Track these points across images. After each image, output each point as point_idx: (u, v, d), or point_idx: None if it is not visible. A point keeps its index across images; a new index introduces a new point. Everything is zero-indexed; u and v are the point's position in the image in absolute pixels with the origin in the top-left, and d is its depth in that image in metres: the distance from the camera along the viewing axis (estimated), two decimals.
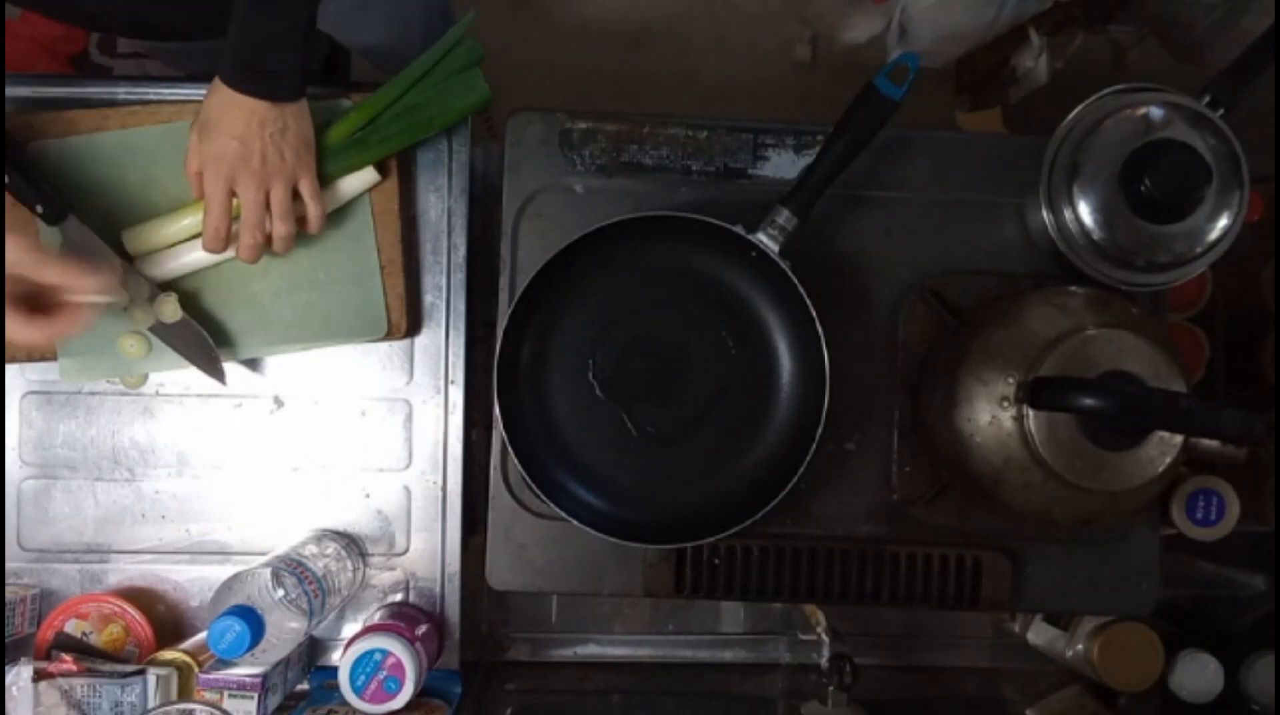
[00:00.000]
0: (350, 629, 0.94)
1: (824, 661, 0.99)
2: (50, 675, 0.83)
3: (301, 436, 0.94)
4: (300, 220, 0.85)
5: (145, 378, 0.93)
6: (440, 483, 0.94)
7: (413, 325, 0.94)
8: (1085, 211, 0.84)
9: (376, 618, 0.91)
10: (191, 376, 0.92)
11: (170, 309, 0.87)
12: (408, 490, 0.94)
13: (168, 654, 0.86)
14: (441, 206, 0.95)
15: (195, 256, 0.87)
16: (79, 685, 0.83)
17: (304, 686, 0.92)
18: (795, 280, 0.83)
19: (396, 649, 0.83)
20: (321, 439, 0.94)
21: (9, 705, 0.80)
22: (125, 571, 0.93)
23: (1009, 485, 0.81)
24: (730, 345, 0.89)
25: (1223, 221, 0.84)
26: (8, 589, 0.89)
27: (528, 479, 0.84)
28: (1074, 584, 0.92)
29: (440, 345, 0.95)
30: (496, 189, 0.93)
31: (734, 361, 0.89)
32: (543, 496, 0.84)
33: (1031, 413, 0.78)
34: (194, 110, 0.82)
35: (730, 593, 0.90)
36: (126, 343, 0.89)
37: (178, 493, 0.94)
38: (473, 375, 0.95)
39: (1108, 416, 0.76)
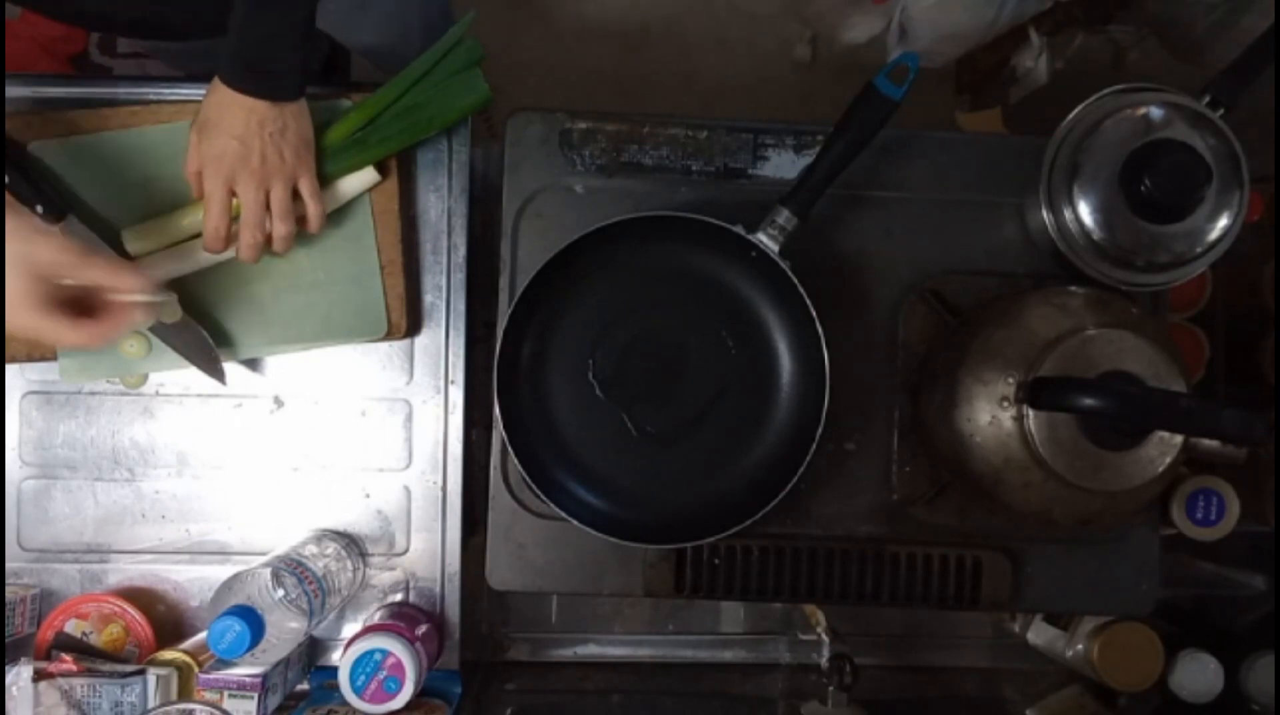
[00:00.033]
0: (350, 629, 0.94)
1: (824, 661, 0.99)
2: (50, 675, 0.83)
3: (301, 436, 0.94)
4: (300, 220, 0.85)
5: (145, 378, 0.93)
6: (440, 483, 0.94)
7: (413, 325, 0.94)
8: (1085, 211, 0.84)
9: (376, 618, 0.91)
10: (191, 376, 0.92)
11: (170, 309, 0.87)
12: (408, 490, 0.94)
13: (168, 654, 0.86)
14: (441, 206, 0.95)
15: (195, 256, 0.87)
16: (79, 685, 0.83)
17: (304, 686, 0.92)
18: (795, 280, 0.83)
19: (396, 649, 0.83)
20: (321, 439, 0.94)
21: (9, 705, 0.80)
22: (125, 571, 0.93)
23: (1009, 485, 0.81)
24: (730, 345, 0.89)
25: (1223, 221, 0.84)
26: (8, 589, 0.89)
27: (528, 479, 0.84)
28: (1074, 584, 0.92)
29: (440, 345, 0.95)
30: (496, 189, 0.93)
31: (734, 361, 0.89)
32: (543, 496, 0.84)
33: (1031, 413, 0.78)
34: (194, 110, 0.82)
35: (730, 593, 0.90)
36: (126, 343, 0.89)
37: (178, 493, 0.94)
38: (473, 375, 0.95)
39: (1108, 416, 0.76)
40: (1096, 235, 0.84)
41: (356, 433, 0.94)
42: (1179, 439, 0.78)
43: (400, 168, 0.92)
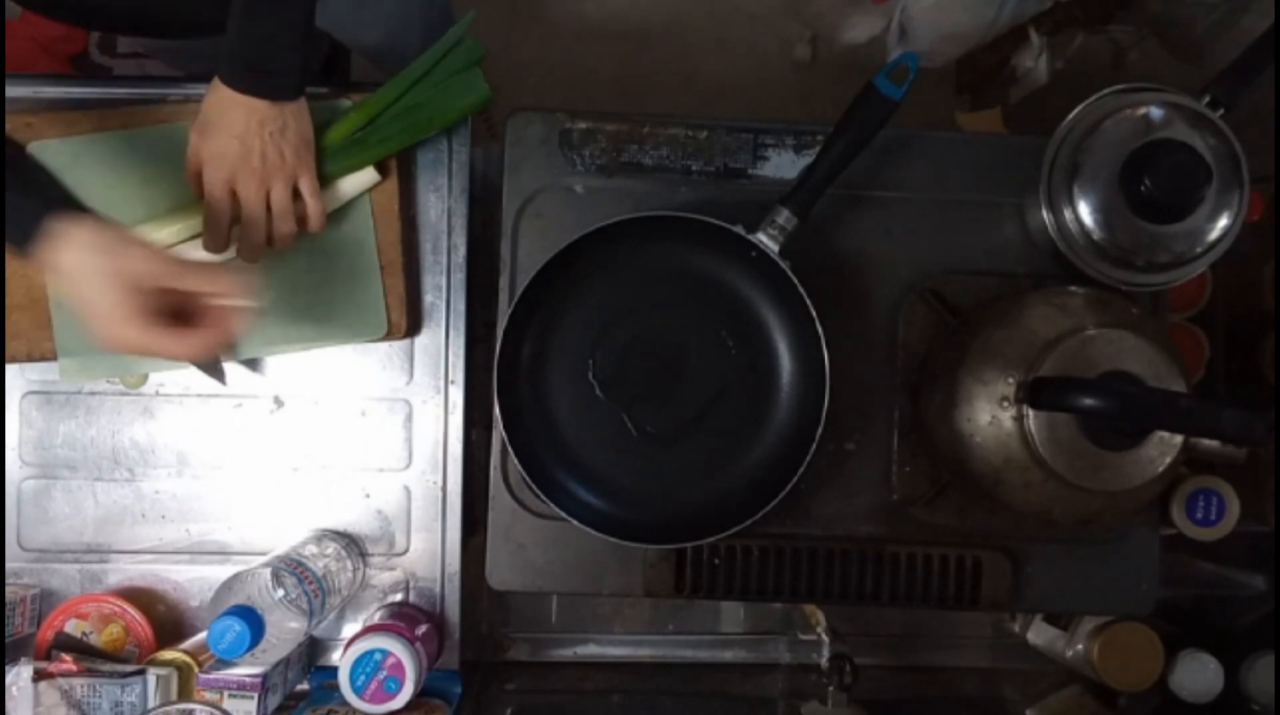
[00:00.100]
0: (350, 629, 0.94)
1: (824, 661, 0.99)
2: (50, 675, 0.83)
3: (301, 436, 0.94)
4: (300, 220, 0.85)
5: (145, 378, 0.93)
6: (440, 483, 0.94)
7: (413, 325, 0.94)
8: (1085, 211, 0.84)
9: (376, 618, 0.91)
10: (191, 376, 0.92)
11: None
12: (408, 490, 0.94)
13: (168, 654, 0.86)
14: (441, 206, 0.95)
15: (195, 256, 0.87)
16: (79, 685, 0.83)
17: (304, 686, 0.92)
18: (795, 280, 0.83)
19: (396, 649, 0.83)
20: (321, 439, 0.94)
21: (9, 705, 0.80)
22: (125, 571, 0.93)
23: (1009, 485, 0.81)
24: (730, 345, 0.89)
25: (1223, 221, 0.84)
26: (8, 589, 0.89)
27: (528, 479, 0.84)
28: (1074, 584, 0.92)
29: (440, 345, 0.95)
30: (496, 189, 0.93)
31: (734, 361, 0.89)
32: (543, 496, 0.84)
33: (1031, 413, 0.78)
34: (194, 110, 0.82)
35: (730, 593, 0.90)
36: None
37: (178, 493, 0.94)
38: (473, 375, 0.95)
39: (1108, 416, 0.76)
40: (1096, 235, 0.84)
41: (356, 433, 0.94)
42: (1179, 439, 0.78)
43: (400, 168, 0.92)
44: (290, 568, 0.82)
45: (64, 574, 0.93)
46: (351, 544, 0.93)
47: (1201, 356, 1.03)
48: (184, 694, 0.85)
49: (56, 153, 0.88)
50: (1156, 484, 0.80)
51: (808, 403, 0.85)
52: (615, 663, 1.07)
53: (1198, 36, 1.41)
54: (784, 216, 0.84)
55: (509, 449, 0.84)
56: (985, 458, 0.81)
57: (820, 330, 0.83)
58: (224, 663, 0.82)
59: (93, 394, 0.93)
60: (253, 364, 0.93)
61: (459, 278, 0.95)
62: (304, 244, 0.88)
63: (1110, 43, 1.63)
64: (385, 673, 0.83)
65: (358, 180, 0.89)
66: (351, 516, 0.94)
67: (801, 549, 0.90)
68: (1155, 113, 0.83)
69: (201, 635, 0.90)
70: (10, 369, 0.92)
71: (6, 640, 0.86)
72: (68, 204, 0.69)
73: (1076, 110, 0.86)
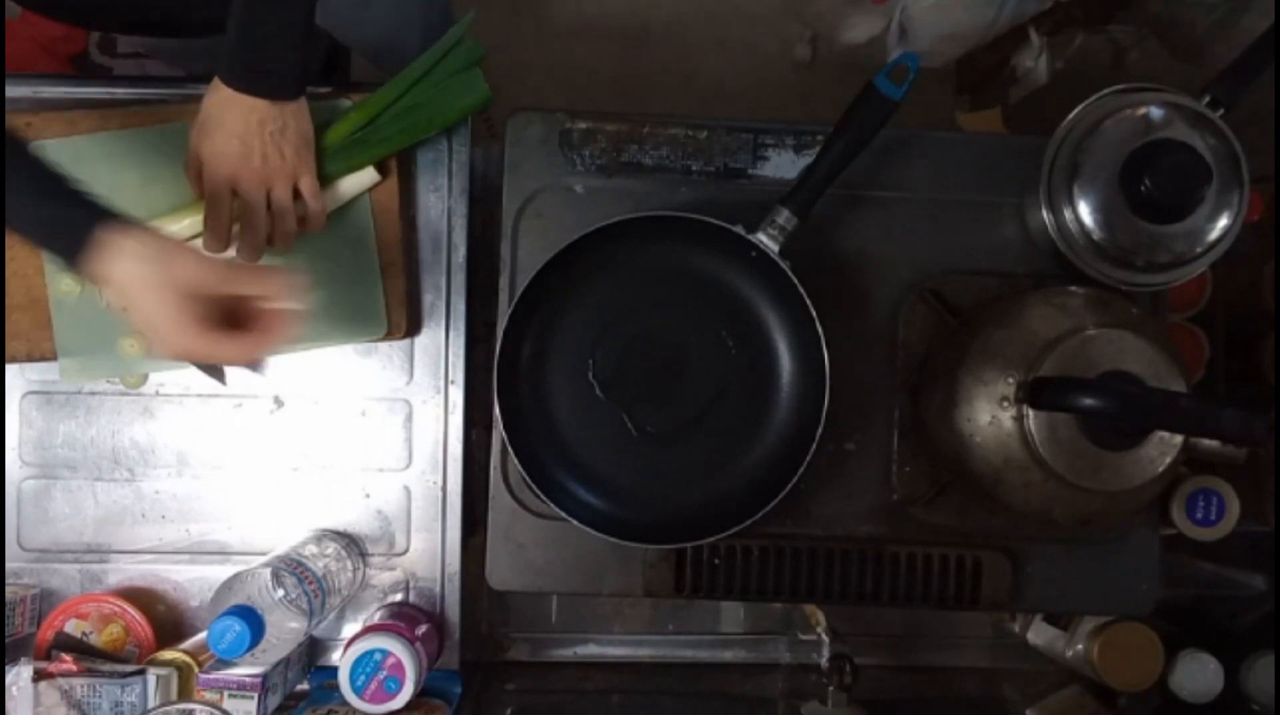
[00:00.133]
0: (350, 629, 0.94)
1: (824, 661, 0.99)
2: (50, 675, 0.83)
3: (301, 436, 0.94)
4: (300, 220, 0.85)
5: (145, 378, 0.93)
6: (440, 483, 0.94)
7: (413, 325, 0.94)
8: (1085, 211, 0.84)
9: (376, 618, 0.91)
10: (191, 376, 0.92)
11: None
12: (408, 490, 0.94)
13: (168, 654, 0.86)
14: (441, 206, 0.95)
15: None
16: (79, 685, 0.83)
17: (304, 686, 0.92)
18: (795, 280, 0.83)
19: (396, 649, 0.83)
20: (321, 439, 0.94)
21: (9, 705, 0.80)
22: (125, 571, 0.93)
23: (1009, 485, 0.81)
24: (730, 345, 0.89)
25: (1223, 221, 0.84)
26: (8, 589, 0.89)
27: (528, 479, 0.84)
28: (1074, 584, 0.92)
29: (440, 345, 0.95)
30: (496, 189, 0.93)
31: (734, 361, 0.89)
32: (543, 496, 0.84)
33: (1031, 413, 0.78)
34: (194, 110, 0.82)
35: (730, 593, 0.90)
36: (126, 343, 0.89)
37: (178, 493, 0.94)
38: (473, 375, 0.95)
39: (1108, 416, 0.76)
40: (1096, 235, 0.84)
41: (356, 433, 0.94)
42: (1179, 439, 0.78)
43: (400, 168, 0.92)
44: (290, 568, 0.82)
45: (64, 574, 0.93)
46: (351, 544, 0.93)
47: (1201, 356, 1.03)
48: (184, 694, 0.85)
49: (56, 153, 0.87)
50: (1156, 484, 0.80)
51: (808, 403, 0.85)
52: (615, 663, 1.07)
53: (1198, 36, 1.41)
54: (784, 216, 0.84)
55: (509, 449, 0.84)
56: (985, 458, 0.81)
57: (820, 330, 0.83)
58: (224, 663, 0.82)
59: (93, 394, 0.93)
60: (253, 364, 0.93)
61: (459, 278, 0.95)
62: (304, 244, 0.88)
63: (1110, 43, 1.63)
64: (385, 673, 0.83)
65: (358, 180, 0.89)
66: (351, 516, 0.94)
67: (801, 549, 0.90)
68: (1155, 113, 0.83)
69: (201, 635, 0.90)
70: (10, 369, 0.92)
71: (6, 640, 0.86)
72: (113, 214, 0.69)
73: (1076, 110, 0.86)
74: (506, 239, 0.91)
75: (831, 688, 0.95)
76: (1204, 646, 0.95)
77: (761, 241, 0.84)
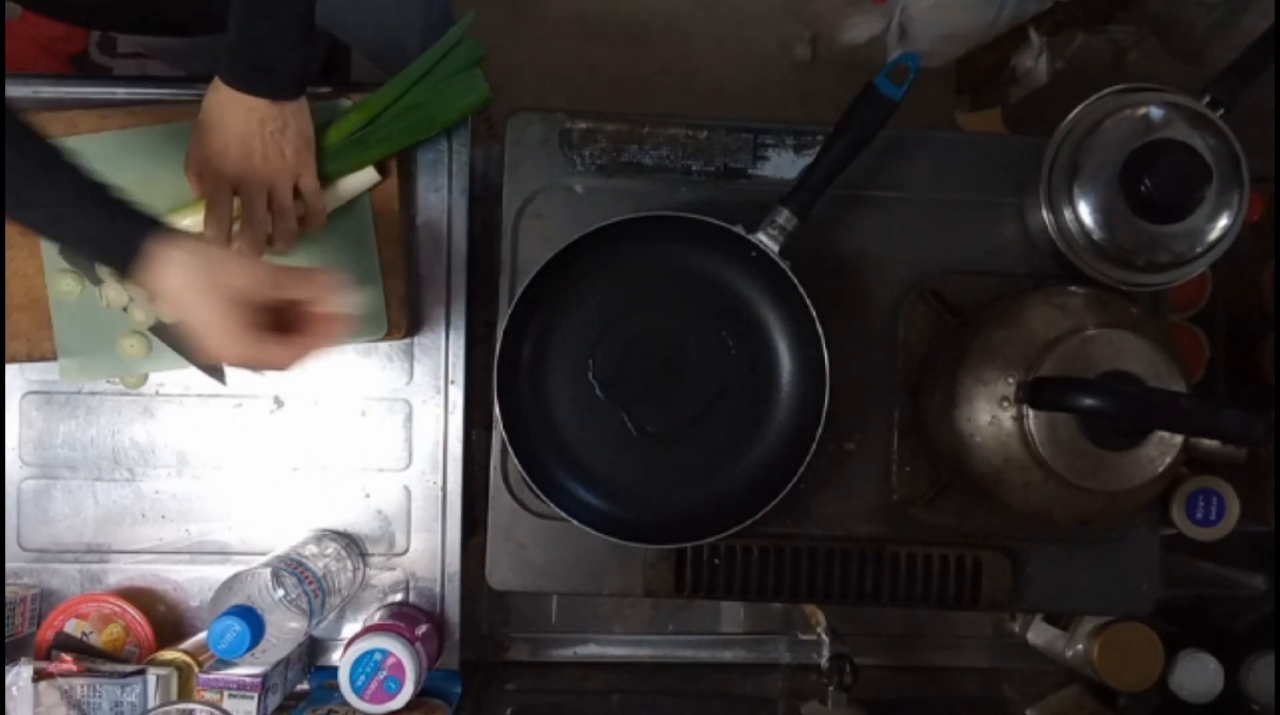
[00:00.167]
0: (350, 629, 0.94)
1: (824, 661, 0.99)
2: (50, 675, 0.83)
3: (301, 436, 0.94)
4: (300, 219, 0.85)
5: (145, 378, 0.93)
6: (440, 483, 0.94)
7: (413, 325, 0.94)
8: (1085, 211, 0.84)
9: (376, 618, 0.91)
10: (191, 376, 0.92)
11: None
12: (408, 490, 0.94)
13: (168, 654, 0.86)
14: (441, 206, 0.95)
15: None
16: (79, 685, 0.83)
17: (304, 686, 0.92)
18: (795, 280, 0.83)
19: (396, 649, 0.83)
20: (321, 439, 0.94)
21: (9, 705, 0.80)
22: (125, 571, 0.93)
23: (1009, 485, 0.81)
24: (730, 345, 0.89)
25: (1223, 221, 0.84)
26: (8, 589, 0.89)
27: (528, 479, 0.84)
28: (1074, 584, 0.92)
29: (440, 345, 0.95)
30: (496, 189, 0.93)
31: (734, 361, 0.89)
32: (543, 496, 0.84)
33: (1031, 413, 0.78)
34: (194, 110, 0.82)
35: (730, 593, 0.90)
36: (126, 343, 0.89)
37: (178, 493, 0.94)
38: (473, 375, 0.95)
39: (1108, 416, 0.76)
40: (1096, 235, 0.84)
41: (356, 433, 0.94)
42: (1179, 439, 0.78)
43: (400, 168, 0.92)
44: (290, 568, 0.82)
45: (64, 574, 0.93)
46: (351, 544, 0.93)
47: (1201, 356, 1.03)
48: (184, 694, 0.85)
49: None
50: (1156, 484, 0.80)
51: (808, 403, 0.85)
52: (615, 663, 1.07)
53: (1198, 36, 1.41)
54: (784, 216, 0.84)
55: (509, 449, 0.84)
56: (985, 458, 0.81)
57: (820, 330, 0.83)
58: (224, 663, 0.82)
59: (93, 394, 0.93)
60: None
61: (459, 278, 0.95)
62: (304, 244, 0.88)
63: (1110, 43, 1.63)
64: (385, 673, 0.83)
65: (358, 180, 0.89)
66: (351, 516, 0.94)
67: (801, 549, 0.90)
68: (1155, 113, 0.83)
69: (201, 635, 0.90)
70: (10, 369, 0.92)
71: (6, 640, 0.86)
72: (160, 223, 0.69)
73: (1076, 110, 0.86)
74: (506, 239, 0.91)
75: (831, 688, 0.95)
76: (1204, 646, 0.95)
77: (761, 241, 0.84)
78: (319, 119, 0.85)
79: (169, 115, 0.90)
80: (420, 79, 0.89)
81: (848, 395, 0.88)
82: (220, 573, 0.86)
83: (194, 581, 0.93)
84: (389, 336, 0.92)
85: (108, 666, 0.85)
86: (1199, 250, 0.84)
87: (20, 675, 0.81)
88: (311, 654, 0.94)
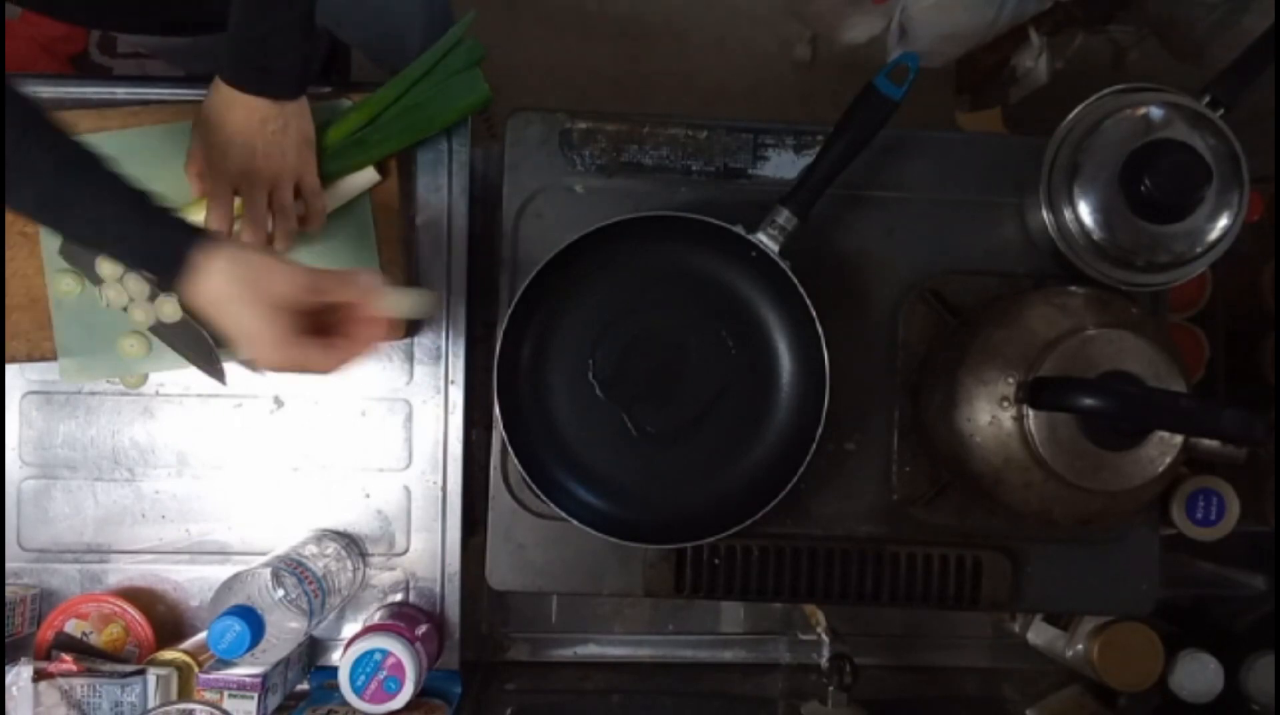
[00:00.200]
0: (350, 629, 0.94)
1: (824, 661, 0.99)
2: (50, 675, 0.83)
3: (301, 436, 0.94)
4: (300, 219, 0.85)
5: (145, 378, 0.93)
6: (440, 483, 0.94)
7: (413, 325, 0.94)
8: (1085, 211, 0.84)
9: (376, 618, 0.91)
10: (191, 376, 0.92)
11: (170, 309, 0.87)
12: (408, 490, 0.94)
13: (168, 654, 0.86)
14: (441, 206, 0.95)
15: None
16: (79, 685, 0.83)
17: (304, 686, 0.92)
18: (795, 280, 0.83)
19: (396, 649, 0.83)
20: (321, 439, 0.94)
21: (9, 705, 0.80)
22: (125, 571, 0.93)
23: (1009, 485, 0.81)
24: (730, 345, 0.89)
25: (1223, 221, 0.84)
26: (8, 589, 0.89)
27: (528, 479, 0.84)
28: (1074, 584, 0.92)
29: (440, 345, 0.95)
30: (496, 189, 0.93)
31: (734, 361, 0.89)
32: (543, 496, 0.84)
33: (1031, 413, 0.78)
34: (194, 110, 0.83)
35: (730, 593, 0.90)
36: (126, 343, 0.89)
37: (178, 493, 0.94)
38: (473, 375, 0.95)
39: (1108, 416, 0.76)
40: (1096, 235, 0.84)
41: (356, 433, 0.94)
42: (1179, 439, 0.78)
43: (400, 168, 0.92)
44: (290, 568, 0.82)
45: (64, 574, 0.93)
46: (351, 544, 0.93)
47: (1201, 356, 1.03)
48: (184, 694, 0.85)
49: None
50: (1156, 484, 0.80)
51: (808, 403, 0.85)
52: (615, 663, 1.07)
53: (1198, 36, 1.41)
54: (784, 216, 0.84)
55: (509, 449, 0.84)
56: (985, 458, 0.81)
57: (820, 330, 0.83)
58: (224, 663, 0.82)
59: (93, 394, 0.93)
60: (253, 364, 0.93)
61: (459, 278, 0.95)
62: (304, 244, 0.88)
63: (1110, 43, 1.63)
64: (385, 673, 0.83)
65: (358, 180, 0.89)
66: (351, 516, 0.94)
67: (801, 549, 0.90)
68: (1155, 113, 0.83)
69: (201, 635, 0.90)
70: (10, 369, 0.92)
71: (6, 640, 0.86)
72: (201, 231, 0.68)
73: (1076, 110, 0.86)
74: (506, 239, 0.91)
75: (831, 688, 0.95)
76: (1204, 646, 0.95)
77: (761, 241, 0.84)
78: (319, 119, 0.85)
79: (169, 115, 0.90)
80: (420, 79, 0.89)
81: (848, 395, 0.88)
82: (220, 573, 0.86)
83: (194, 581, 0.93)
84: (389, 336, 0.92)
85: (108, 666, 0.85)
86: (1199, 250, 0.84)
87: (20, 675, 0.81)
88: (311, 654, 0.94)
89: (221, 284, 0.67)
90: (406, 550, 0.94)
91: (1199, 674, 0.95)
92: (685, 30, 1.77)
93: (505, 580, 0.90)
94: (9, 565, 0.92)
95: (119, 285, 0.88)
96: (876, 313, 0.92)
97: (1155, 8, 1.51)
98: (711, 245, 0.86)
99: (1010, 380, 0.79)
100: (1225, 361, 1.04)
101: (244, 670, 0.82)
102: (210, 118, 0.81)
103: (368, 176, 0.89)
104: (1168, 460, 0.78)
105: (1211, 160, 0.82)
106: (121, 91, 0.93)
